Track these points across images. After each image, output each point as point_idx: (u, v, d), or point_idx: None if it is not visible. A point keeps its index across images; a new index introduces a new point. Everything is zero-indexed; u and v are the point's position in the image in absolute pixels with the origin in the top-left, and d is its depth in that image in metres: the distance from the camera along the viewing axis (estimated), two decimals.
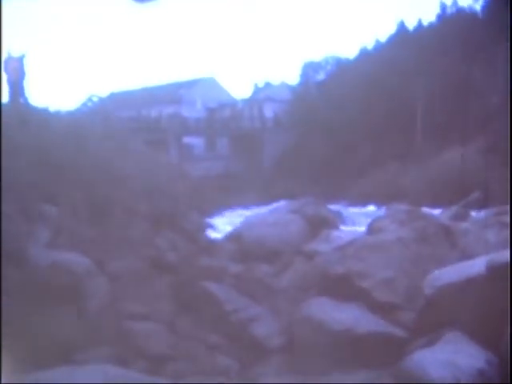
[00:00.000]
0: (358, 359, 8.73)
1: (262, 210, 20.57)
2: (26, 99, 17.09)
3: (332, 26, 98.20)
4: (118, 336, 8.83)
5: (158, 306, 10.31)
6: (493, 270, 7.95)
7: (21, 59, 16.84)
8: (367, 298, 10.18)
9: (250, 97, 54.83)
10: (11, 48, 16.68)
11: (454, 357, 7.20)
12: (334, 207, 21.27)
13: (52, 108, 20.00)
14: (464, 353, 7.34)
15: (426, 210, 16.71)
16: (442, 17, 40.62)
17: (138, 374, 7.21)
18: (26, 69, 16.92)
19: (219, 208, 23.62)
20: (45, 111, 18.19)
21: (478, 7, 38.82)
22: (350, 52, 68.80)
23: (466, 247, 11.54)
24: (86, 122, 22.24)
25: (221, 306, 10.49)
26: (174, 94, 47.94)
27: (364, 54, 44.07)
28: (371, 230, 14.41)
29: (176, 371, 8.36)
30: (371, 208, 26.98)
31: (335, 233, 15.30)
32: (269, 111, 45.42)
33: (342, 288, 10.43)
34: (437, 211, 18.18)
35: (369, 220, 15.96)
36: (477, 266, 8.52)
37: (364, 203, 28.51)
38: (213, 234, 17.06)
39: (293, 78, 72.21)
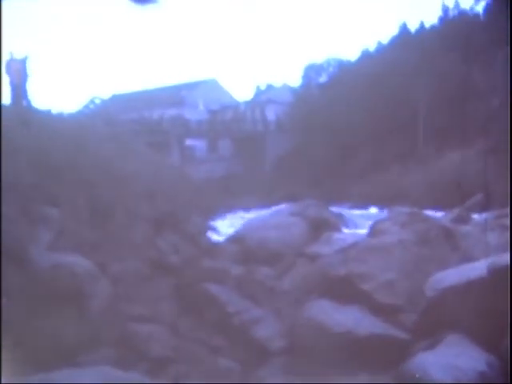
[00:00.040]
0: (360, 361, 8.75)
1: (264, 212, 20.55)
2: (28, 101, 17.09)
3: (334, 28, 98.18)
4: (119, 338, 8.84)
5: (159, 308, 10.32)
6: (494, 272, 7.96)
7: (23, 61, 16.84)
8: (369, 300, 10.20)
9: (252, 99, 54.81)
10: (13, 50, 16.71)
11: (455, 359, 7.22)
12: (335, 209, 21.24)
13: (54, 110, 20.04)
14: (465, 355, 7.35)
15: (427, 212, 16.70)
16: (444, 19, 40.63)
17: (139, 375, 7.22)
18: (29, 71, 16.93)
19: (221, 210, 23.60)
20: (47, 113, 18.21)
21: (479, 10, 38.89)
22: (352, 54, 68.74)
23: (468, 250, 11.55)
24: (87, 124, 22.23)
25: (223, 308, 10.50)
26: (175, 96, 47.93)
27: (366, 56, 44.07)
28: (373, 232, 14.39)
29: (178, 373, 8.37)
30: (373, 210, 26.96)
31: (337, 235, 15.27)
32: (271, 113, 45.44)
33: (344, 290, 10.44)
34: (438, 214, 18.16)
35: (370, 222, 15.93)
36: (478, 268, 8.53)
37: (366, 205, 28.50)
38: (214, 237, 17.05)
39: (295, 80, 72.17)
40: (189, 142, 40.99)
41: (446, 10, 40.87)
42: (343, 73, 44.33)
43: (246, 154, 41.02)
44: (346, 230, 17.33)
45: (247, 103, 51.86)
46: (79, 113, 34.67)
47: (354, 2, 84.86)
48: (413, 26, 41.88)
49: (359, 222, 19.87)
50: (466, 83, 32.95)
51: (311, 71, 49.59)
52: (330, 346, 9.22)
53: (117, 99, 49.58)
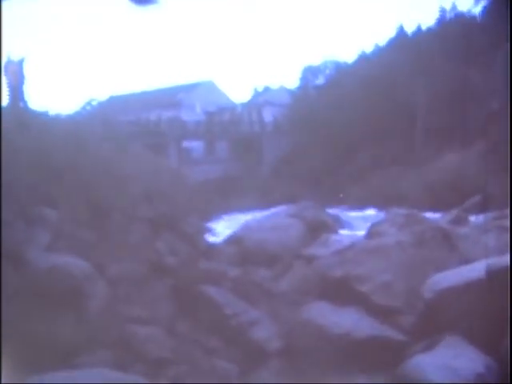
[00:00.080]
0: (357, 363, 8.75)
1: (262, 213, 20.55)
2: (25, 103, 17.08)
3: (331, 30, 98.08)
4: (117, 340, 8.82)
5: (157, 310, 10.30)
6: (492, 274, 7.96)
7: (20, 63, 16.84)
8: (366, 302, 10.19)
9: (249, 101, 54.80)
10: (11, 51, 16.71)
11: (453, 361, 7.21)
12: (332, 211, 21.26)
13: (51, 112, 20.00)
14: (463, 357, 7.35)
15: (425, 214, 16.71)
16: (441, 21, 40.62)
17: (137, 377, 7.20)
18: (26, 73, 16.94)
19: (218, 212, 23.60)
20: (44, 115, 18.17)
21: (477, 12, 38.89)
22: (349, 56, 68.78)
23: (466, 251, 11.54)
24: (85, 125, 22.20)
25: (220, 310, 10.49)
26: (173, 97, 47.90)
27: (363, 58, 44.06)
28: (370, 233, 14.42)
29: (175, 375, 8.35)
30: (370, 212, 26.96)
31: (334, 237, 15.29)
32: (268, 115, 45.42)
33: (341, 292, 10.44)
34: (436, 215, 18.18)
35: (368, 224, 15.96)
36: (476, 270, 8.53)
37: (363, 207, 28.49)
38: (212, 238, 17.05)
39: (292, 82, 72.18)
40: (186, 143, 40.95)
41: (443, 12, 40.88)
42: (340, 75, 44.33)
43: (243, 155, 40.98)
44: (343, 232, 17.36)
45: (244, 105, 51.86)
46: (77, 114, 34.60)
47: (351, 4, 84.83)
48: (410, 28, 41.90)
49: (356, 223, 19.88)
50: (464, 85, 32.97)
51: (308, 73, 49.59)
52: (327, 348, 9.21)
53: (114, 101, 49.49)
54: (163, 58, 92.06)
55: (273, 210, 19.73)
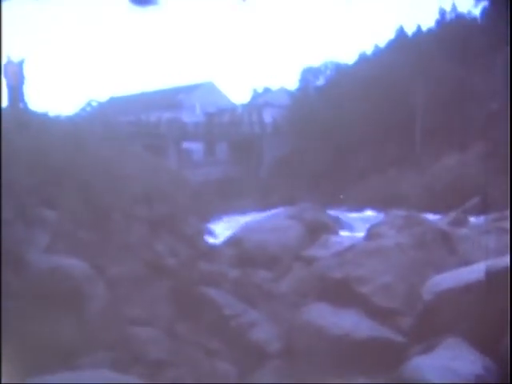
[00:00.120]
0: (357, 364, 8.73)
1: (261, 215, 20.57)
2: (25, 104, 17.10)
3: (331, 31, 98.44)
4: (116, 341, 8.81)
5: (156, 311, 10.29)
6: (492, 276, 7.96)
7: (20, 64, 16.87)
8: (366, 304, 10.19)
9: (249, 102, 54.91)
10: (11, 52, 16.73)
11: (452, 363, 7.20)
12: (332, 213, 21.28)
13: (51, 112, 20.02)
14: (462, 359, 7.34)
15: (425, 215, 16.72)
16: (441, 22, 40.67)
17: (136, 378, 7.20)
18: (26, 73, 16.95)
19: (218, 213, 23.62)
20: (44, 116, 18.19)
21: (477, 13, 38.94)
22: (349, 57, 68.90)
23: (465, 253, 11.55)
24: (85, 126, 22.23)
25: (220, 311, 10.48)
26: (173, 98, 47.97)
27: (363, 59, 44.12)
28: (370, 235, 14.42)
29: (175, 376, 8.35)
30: (370, 213, 26.98)
31: (334, 238, 15.30)
32: (268, 116, 45.47)
33: (341, 293, 10.44)
34: (436, 217, 18.19)
35: (367, 225, 15.97)
36: (476, 271, 8.52)
37: (363, 209, 28.52)
38: (211, 240, 17.07)
39: (292, 83, 72.28)
40: (186, 144, 41.02)
41: (443, 13, 40.92)
42: (340, 76, 44.39)
43: (243, 157, 41.04)
44: (342, 233, 17.37)
45: (244, 106, 51.95)
46: (76, 115, 34.65)
47: (351, 6, 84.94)
48: (410, 30, 41.98)
49: (356, 225, 19.91)
50: (463, 86, 33.02)
51: (308, 74, 49.69)
52: (327, 349, 9.21)
53: (114, 102, 49.58)
54: (163, 59, 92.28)
55: (272, 212, 19.78)
